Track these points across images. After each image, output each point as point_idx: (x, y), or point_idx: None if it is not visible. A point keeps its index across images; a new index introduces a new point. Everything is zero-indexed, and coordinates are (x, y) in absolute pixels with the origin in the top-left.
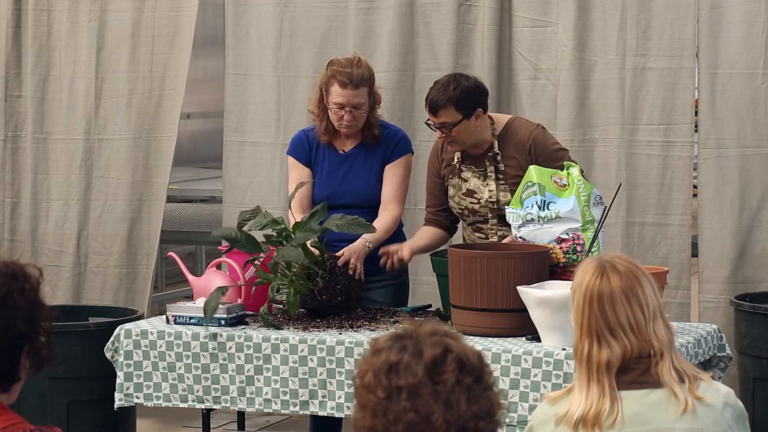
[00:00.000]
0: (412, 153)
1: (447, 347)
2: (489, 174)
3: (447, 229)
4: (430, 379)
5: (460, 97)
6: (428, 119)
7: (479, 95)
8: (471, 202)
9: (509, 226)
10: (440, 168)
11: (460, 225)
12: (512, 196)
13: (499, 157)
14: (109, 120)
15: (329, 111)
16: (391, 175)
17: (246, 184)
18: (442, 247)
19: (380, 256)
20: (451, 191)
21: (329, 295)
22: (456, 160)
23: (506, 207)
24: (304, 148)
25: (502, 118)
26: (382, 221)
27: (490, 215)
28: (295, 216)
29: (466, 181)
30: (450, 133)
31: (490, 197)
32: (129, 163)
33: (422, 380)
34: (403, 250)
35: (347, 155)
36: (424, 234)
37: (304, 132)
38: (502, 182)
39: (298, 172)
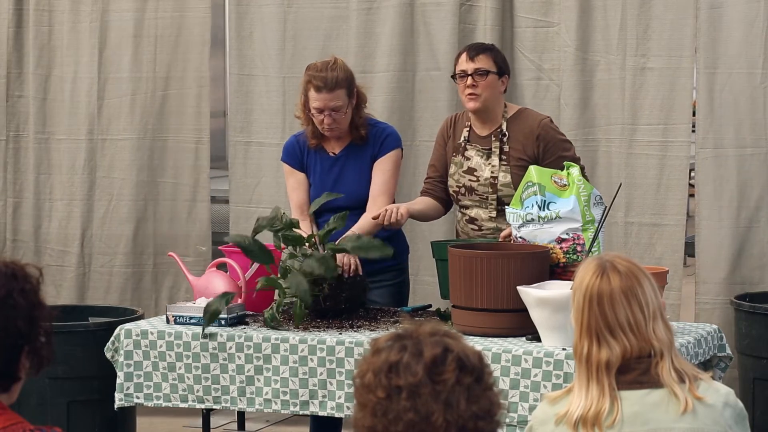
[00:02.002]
0: (401, 149)
1: (447, 347)
2: (493, 150)
3: (443, 202)
4: (430, 379)
5: (498, 53)
6: (455, 72)
7: (507, 67)
8: (470, 180)
9: (503, 216)
10: (447, 141)
11: (454, 217)
12: (512, 179)
13: (505, 138)
14: (113, 120)
15: (312, 116)
16: (379, 170)
17: (253, 184)
18: (441, 239)
19: (376, 218)
20: (452, 169)
21: (333, 302)
22: (462, 138)
23: (506, 207)
24: (296, 154)
25: (513, 105)
26: (370, 216)
27: (490, 190)
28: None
29: (468, 159)
30: (482, 81)
31: (492, 173)
32: (134, 163)
33: (422, 380)
34: (401, 208)
35: (337, 157)
36: (420, 200)
37: (296, 137)
38: (505, 163)
39: (294, 178)
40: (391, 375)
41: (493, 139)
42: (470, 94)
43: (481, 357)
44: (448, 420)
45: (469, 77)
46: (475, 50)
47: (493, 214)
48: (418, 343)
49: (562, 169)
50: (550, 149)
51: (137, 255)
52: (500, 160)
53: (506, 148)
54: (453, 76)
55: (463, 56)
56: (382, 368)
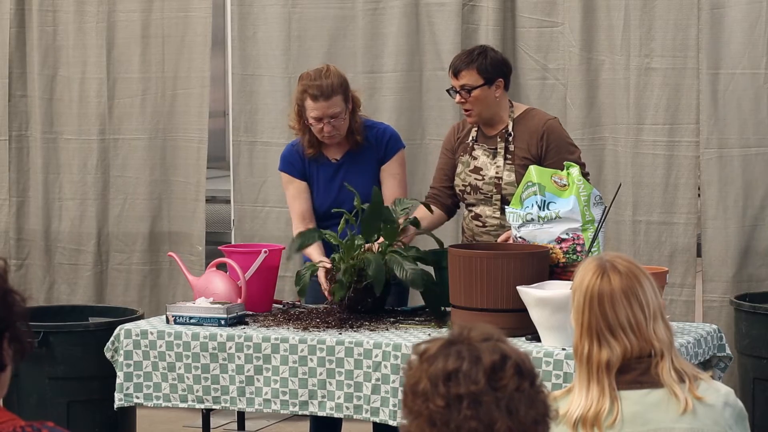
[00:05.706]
0: (404, 147)
1: (504, 353)
2: (499, 150)
3: (447, 208)
4: (491, 387)
5: (484, 63)
6: (450, 87)
7: (503, 67)
8: (475, 179)
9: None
10: (455, 144)
11: (459, 213)
12: (516, 178)
13: (511, 138)
14: (124, 120)
15: (310, 125)
16: (390, 175)
17: (260, 183)
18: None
19: None
20: (459, 168)
21: (355, 300)
22: (471, 138)
23: (507, 207)
24: (297, 162)
25: (521, 105)
26: None
27: (494, 190)
28: (296, 228)
29: (475, 158)
30: (469, 97)
31: (496, 173)
32: (146, 163)
33: (484, 388)
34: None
35: (340, 163)
36: (423, 214)
37: (293, 146)
38: (509, 162)
39: (294, 187)
40: (450, 383)
41: (499, 139)
42: (464, 109)
43: (531, 360)
44: (510, 427)
45: (458, 94)
46: (456, 66)
47: (497, 214)
48: (473, 349)
49: (562, 170)
50: (553, 149)
51: (153, 252)
52: (505, 159)
53: (511, 147)
54: (448, 91)
55: (450, 72)
56: (440, 376)
